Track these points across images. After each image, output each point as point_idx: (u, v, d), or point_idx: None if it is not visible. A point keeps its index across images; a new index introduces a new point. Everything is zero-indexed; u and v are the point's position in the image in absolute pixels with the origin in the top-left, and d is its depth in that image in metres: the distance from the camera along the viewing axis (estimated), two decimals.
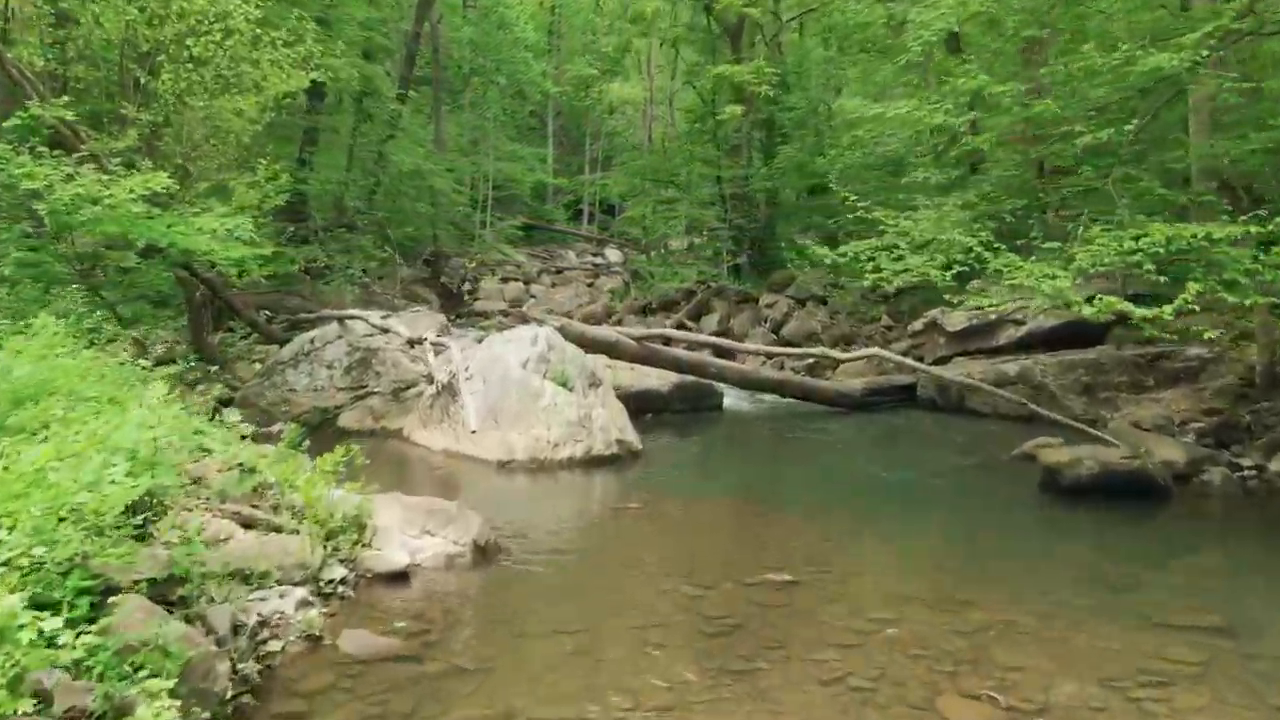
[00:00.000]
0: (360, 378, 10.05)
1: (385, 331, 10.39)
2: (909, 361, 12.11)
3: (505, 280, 31.65)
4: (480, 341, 10.10)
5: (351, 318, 10.84)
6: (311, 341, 10.41)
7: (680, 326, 18.81)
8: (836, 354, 12.99)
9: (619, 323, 20.12)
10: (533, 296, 29.64)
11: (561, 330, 10.06)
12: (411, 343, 10.15)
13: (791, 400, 12.37)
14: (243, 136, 10.81)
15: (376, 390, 9.93)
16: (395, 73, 24.38)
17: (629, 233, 35.36)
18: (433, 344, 9.64)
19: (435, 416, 9.11)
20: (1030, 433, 9.65)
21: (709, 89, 20.26)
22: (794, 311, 18.36)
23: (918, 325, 13.01)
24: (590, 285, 31.17)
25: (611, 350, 10.98)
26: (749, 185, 19.36)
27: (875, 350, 12.72)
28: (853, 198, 9.61)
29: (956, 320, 12.21)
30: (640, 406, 10.60)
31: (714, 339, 14.19)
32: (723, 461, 10.21)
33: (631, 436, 9.11)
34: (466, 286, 29.05)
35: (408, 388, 10.02)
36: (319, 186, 20.11)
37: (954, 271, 8.21)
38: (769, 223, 20.56)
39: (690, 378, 11.84)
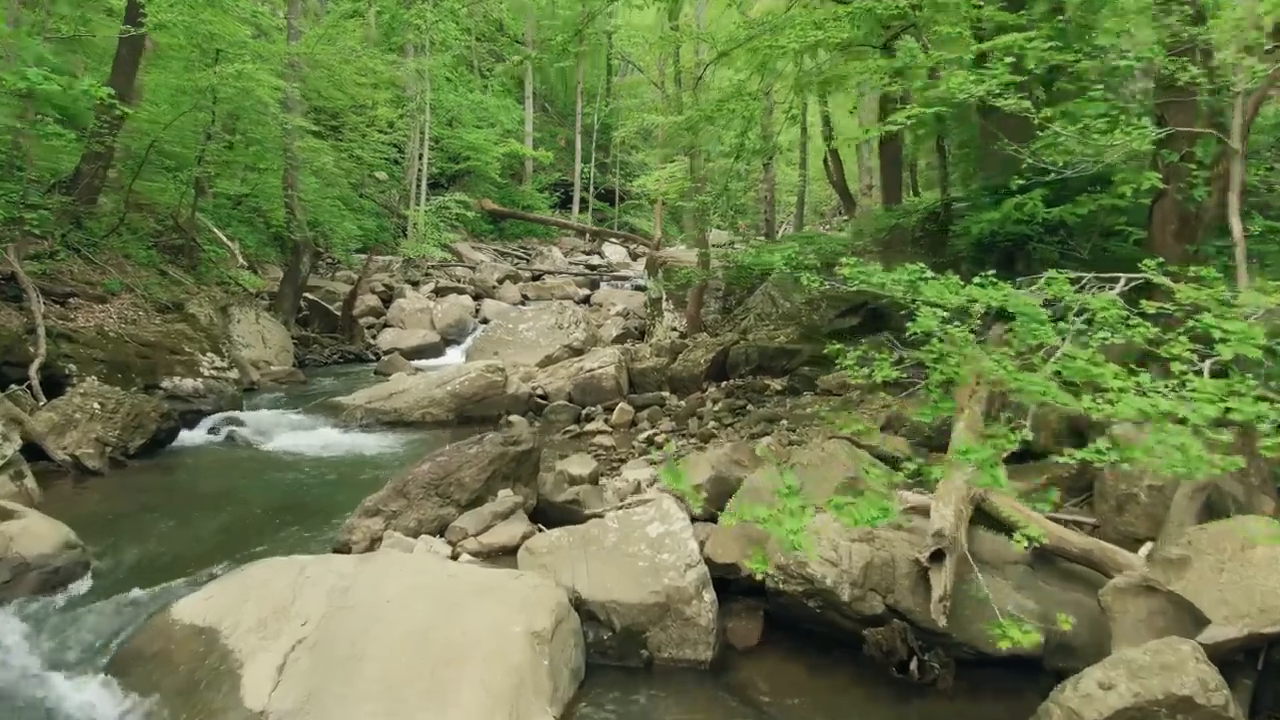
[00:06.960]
0: None
1: None
2: None
3: (441, 292, 19.03)
4: None
5: None
6: None
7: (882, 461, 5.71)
8: None
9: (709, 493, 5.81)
10: (484, 321, 17.35)
11: None
12: None
13: None
14: None
15: None
16: None
17: (642, 215, 22.78)
18: None
19: None
20: None
21: None
22: None
23: None
24: (585, 303, 18.54)
25: None
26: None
27: None
28: None
29: None
30: None
31: None
32: None
33: None
34: (359, 306, 16.39)
35: None
36: None
37: None
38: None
39: None
